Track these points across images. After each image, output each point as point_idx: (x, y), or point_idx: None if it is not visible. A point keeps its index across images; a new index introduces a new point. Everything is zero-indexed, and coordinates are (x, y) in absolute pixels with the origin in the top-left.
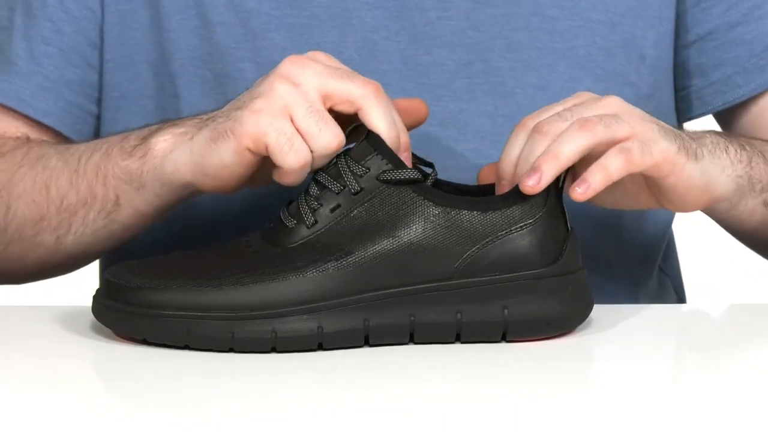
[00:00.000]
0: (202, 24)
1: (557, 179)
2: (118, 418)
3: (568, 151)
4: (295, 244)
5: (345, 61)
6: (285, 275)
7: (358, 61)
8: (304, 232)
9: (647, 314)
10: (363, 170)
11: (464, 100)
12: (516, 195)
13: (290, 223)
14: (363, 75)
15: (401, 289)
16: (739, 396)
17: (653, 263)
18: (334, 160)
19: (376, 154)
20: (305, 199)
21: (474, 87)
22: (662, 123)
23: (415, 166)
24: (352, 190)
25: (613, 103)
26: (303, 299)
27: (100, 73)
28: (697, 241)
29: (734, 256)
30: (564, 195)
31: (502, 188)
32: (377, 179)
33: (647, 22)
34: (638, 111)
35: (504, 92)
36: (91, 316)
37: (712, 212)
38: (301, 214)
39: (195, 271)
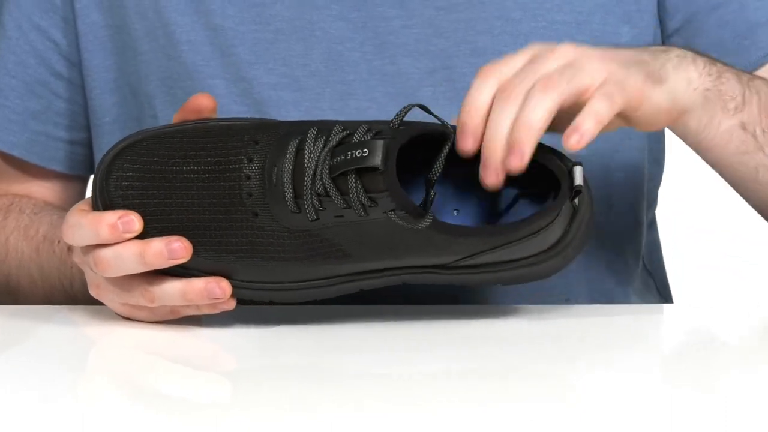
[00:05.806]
0: (169, 44)
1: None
2: (118, 417)
3: (539, 117)
4: (295, 229)
5: (311, 74)
6: (284, 262)
7: (325, 72)
8: (305, 221)
9: (628, 312)
10: (371, 203)
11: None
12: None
13: (292, 206)
14: (330, 86)
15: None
16: (716, 399)
17: (637, 247)
18: (347, 177)
19: (387, 195)
20: (311, 190)
21: (438, 95)
22: (621, 53)
23: (424, 206)
24: (359, 214)
25: (568, 52)
26: (298, 279)
27: (84, 100)
28: (685, 243)
29: (722, 258)
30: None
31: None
32: (384, 213)
33: (621, 17)
34: (594, 52)
35: None
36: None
37: (684, 135)
38: (305, 207)
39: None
